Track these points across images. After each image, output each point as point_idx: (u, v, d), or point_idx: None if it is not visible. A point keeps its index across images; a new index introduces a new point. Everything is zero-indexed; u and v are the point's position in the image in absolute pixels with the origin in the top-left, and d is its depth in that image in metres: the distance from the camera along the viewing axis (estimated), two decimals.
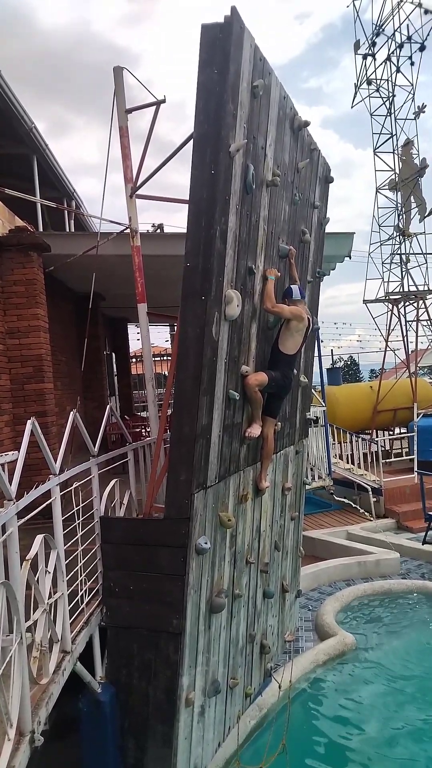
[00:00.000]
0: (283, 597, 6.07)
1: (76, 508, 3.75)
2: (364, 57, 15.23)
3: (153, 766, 3.91)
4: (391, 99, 15.09)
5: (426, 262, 15.05)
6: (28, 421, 3.16)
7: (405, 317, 15.29)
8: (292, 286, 5.05)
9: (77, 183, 12.11)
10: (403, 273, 14.96)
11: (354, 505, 12.28)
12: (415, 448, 13.47)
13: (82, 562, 3.83)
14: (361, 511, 12.12)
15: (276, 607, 5.88)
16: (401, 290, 15.00)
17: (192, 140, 3.84)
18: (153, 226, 11.62)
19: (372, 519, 11.78)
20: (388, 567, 9.39)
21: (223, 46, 3.68)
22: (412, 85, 15.05)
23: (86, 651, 3.84)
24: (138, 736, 3.97)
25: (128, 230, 5.91)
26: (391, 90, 15.04)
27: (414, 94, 15.02)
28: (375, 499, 12.07)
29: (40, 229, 9.29)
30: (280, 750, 4.95)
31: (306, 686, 6.48)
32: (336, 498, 12.55)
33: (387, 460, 13.85)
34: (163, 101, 5.67)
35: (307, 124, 5.18)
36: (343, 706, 6.18)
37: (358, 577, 9.25)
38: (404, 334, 15.39)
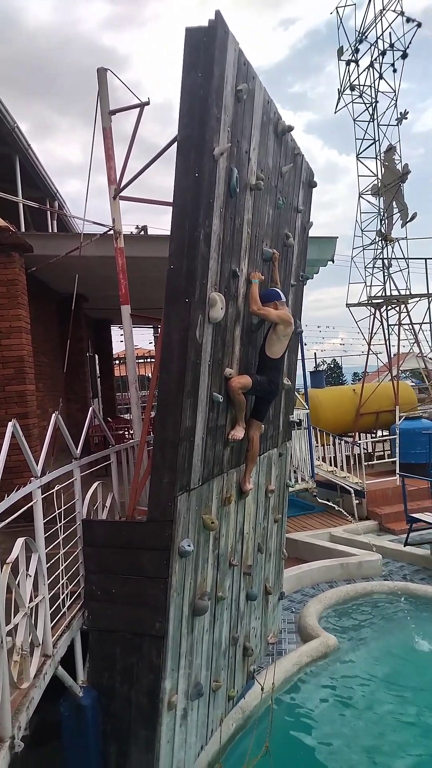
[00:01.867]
0: (266, 599, 6.08)
1: (57, 511, 3.72)
2: (348, 63, 15.41)
3: None
4: (374, 105, 15.27)
5: (408, 267, 15.24)
6: (9, 423, 3.13)
7: (387, 321, 15.46)
8: (275, 288, 5.06)
9: (61, 184, 12.02)
10: (386, 277, 15.12)
11: (337, 508, 12.35)
12: (397, 450, 13.59)
13: (64, 565, 3.81)
14: (344, 513, 12.19)
15: (259, 610, 5.89)
16: (383, 294, 15.16)
17: (176, 143, 3.85)
18: (137, 227, 11.62)
19: (354, 521, 11.86)
20: (370, 569, 9.46)
21: (207, 50, 3.70)
22: (395, 91, 15.24)
23: (68, 655, 3.81)
24: (120, 740, 3.94)
25: (112, 232, 5.90)
26: (374, 96, 15.22)
27: (396, 101, 15.22)
28: (357, 502, 12.16)
29: (22, 229, 9.22)
30: (264, 753, 4.95)
31: (289, 688, 6.49)
32: (319, 500, 12.61)
33: (369, 463, 13.95)
34: (147, 103, 5.67)
35: (290, 128, 5.22)
36: (326, 707, 6.20)
37: (341, 579, 9.30)
38: (386, 337, 15.56)
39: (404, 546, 10.37)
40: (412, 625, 7.75)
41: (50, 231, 11.26)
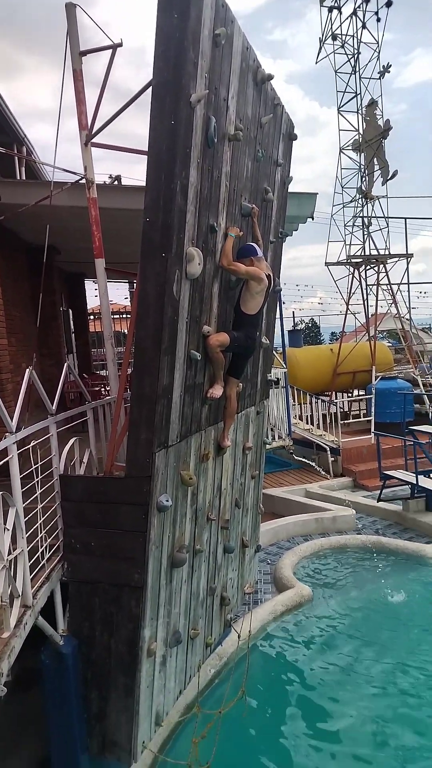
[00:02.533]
0: (243, 552, 6.24)
1: (34, 467, 3.72)
2: (330, 10, 14.89)
3: (115, 715, 4.03)
4: (356, 56, 14.86)
5: (387, 226, 15.16)
6: None
7: (366, 281, 15.46)
8: (252, 243, 4.96)
9: (29, 128, 11.48)
10: (365, 236, 15.04)
11: (313, 465, 12.60)
12: (373, 409, 13.82)
13: (42, 519, 3.83)
14: (320, 470, 12.45)
15: (236, 562, 6.04)
16: (362, 254, 15.10)
17: (151, 87, 3.70)
18: (110, 177, 11.22)
19: (330, 478, 12.13)
20: (344, 523, 9.74)
21: None
22: (378, 43, 14.83)
23: (48, 605, 3.88)
24: (101, 686, 4.07)
25: (84, 181, 5.71)
26: (356, 47, 14.80)
27: (379, 53, 14.86)
28: (333, 459, 12.41)
29: None
30: (240, 696, 5.17)
31: (265, 636, 6.74)
32: (295, 457, 12.84)
33: (345, 422, 14.19)
34: (120, 45, 5.41)
35: (270, 77, 5.06)
36: (299, 653, 6.47)
37: (316, 533, 9.58)
38: (365, 297, 15.60)
39: (377, 502, 10.68)
40: (383, 578, 8.05)
41: (18, 178, 10.80)
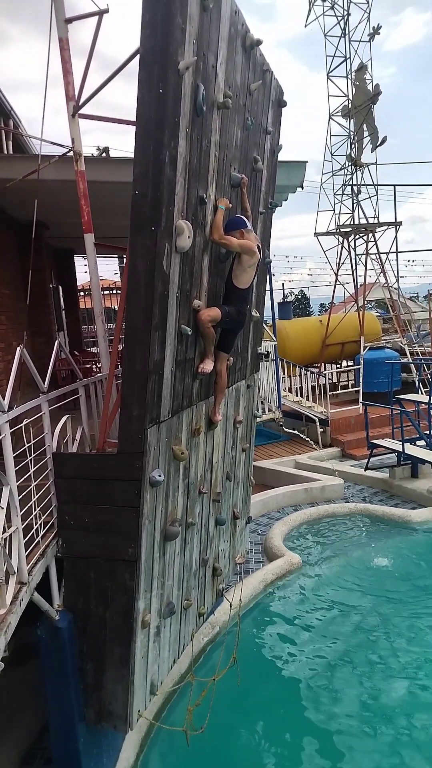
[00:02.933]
0: (234, 523, 6.33)
1: (27, 445, 3.72)
2: None
3: (111, 685, 4.13)
4: (345, 18, 14.47)
5: (376, 194, 15.02)
6: None
7: (355, 250, 15.38)
8: (241, 215, 4.89)
9: (14, 101, 11.14)
10: (354, 205, 14.90)
11: (302, 436, 12.72)
12: (361, 380, 13.91)
13: (36, 497, 3.84)
14: (309, 441, 12.57)
15: (227, 533, 6.13)
16: (352, 223, 14.98)
17: (138, 56, 3.58)
18: (98, 149, 10.96)
19: (318, 448, 12.26)
20: (332, 492, 9.89)
21: None
22: (368, 2, 14.43)
23: (43, 581, 3.92)
24: (96, 658, 4.15)
25: (71, 153, 5.57)
26: (346, 8, 14.39)
27: (369, 13, 14.49)
28: (322, 430, 12.53)
29: None
30: (231, 663, 5.31)
31: (255, 604, 6.89)
32: (285, 429, 12.94)
33: (334, 393, 14.28)
34: (106, 11, 5.22)
35: (259, 42, 4.90)
36: (289, 620, 6.63)
37: (305, 503, 9.73)
38: (353, 267, 15.54)
39: (365, 470, 10.85)
40: (370, 544, 8.22)
41: (5, 152, 10.55)
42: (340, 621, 6.52)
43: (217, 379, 5.08)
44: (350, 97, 14.82)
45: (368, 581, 7.31)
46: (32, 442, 3.76)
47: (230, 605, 6.13)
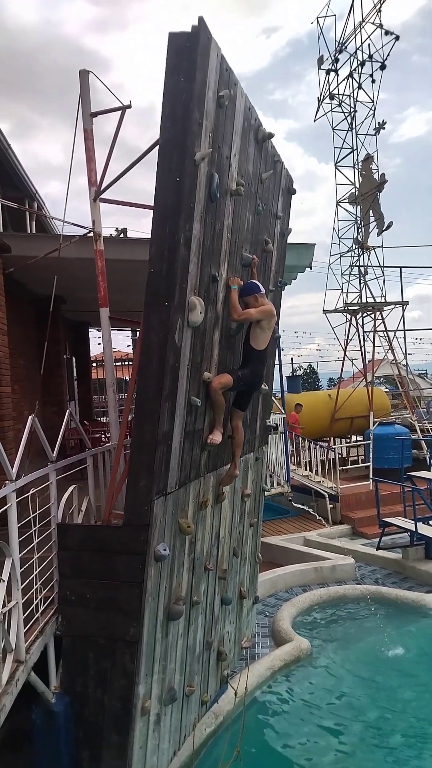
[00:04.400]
0: (240, 603, 6.10)
1: (32, 515, 3.68)
2: (327, 72, 15.62)
3: None
4: (352, 114, 15.49)
5: (383, 275, 15.47)
6: None
7: (363, 328, 15.66)
8: (253, 281, 5.07)
9: (41, 185, 11.85)
10: (362, 285, 15.33)
11: (311, 512, 12.44)
12: (371, 455, 13.75)
13: (38, 570, 3.76)
14: (318, 517, 12.28)
15: (233, 614, 5.90)
16: (359, 301, 15.35)
17: (158, 146, 3.85)
18: (117, 230, 11.56)
19: (328, 525, 11.95)
20: (343, 572, 9.54)
21: (189, 55, 3.72)
22: (373, 101, 15.48)
23: (41, 660, 3.76)
24: (93, 746, 3.90)
25: (91, 234, 5.87)
26: (352, 105, 15.44)
27: (374, 111, 15.47)
28: (332, 506, 12.25)
29: (0, 229, 9.11)
30: (235, 757, 4.95)
31: (262, 692, 6.50)
32: (294, 504, 12.68)
33: (344, 468, 14.09)
34: (129, 106, 5.66)
35: (271, 135, 5.27)
36: (298, 711, 6.22)
37: (315, 583, 9.36)
38: (362, 344, 15.76)
39: (377, 550, 10.49)
40: (384, 630, 7.83)
41: (29, 232, 11.13)
42: (352, 716, 6.10)
43: (234, 435, 5.12)
44: (357, 185, 15.60)
45: (382, 673, 6.90)
46: (38, 512, 3.73)
47: (235, 693, 5.80)
